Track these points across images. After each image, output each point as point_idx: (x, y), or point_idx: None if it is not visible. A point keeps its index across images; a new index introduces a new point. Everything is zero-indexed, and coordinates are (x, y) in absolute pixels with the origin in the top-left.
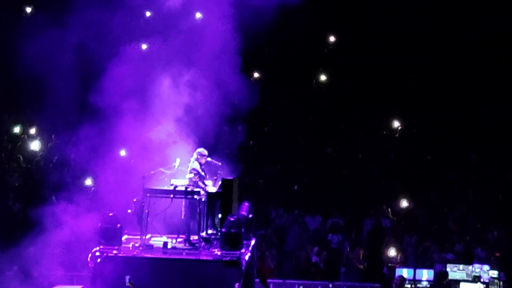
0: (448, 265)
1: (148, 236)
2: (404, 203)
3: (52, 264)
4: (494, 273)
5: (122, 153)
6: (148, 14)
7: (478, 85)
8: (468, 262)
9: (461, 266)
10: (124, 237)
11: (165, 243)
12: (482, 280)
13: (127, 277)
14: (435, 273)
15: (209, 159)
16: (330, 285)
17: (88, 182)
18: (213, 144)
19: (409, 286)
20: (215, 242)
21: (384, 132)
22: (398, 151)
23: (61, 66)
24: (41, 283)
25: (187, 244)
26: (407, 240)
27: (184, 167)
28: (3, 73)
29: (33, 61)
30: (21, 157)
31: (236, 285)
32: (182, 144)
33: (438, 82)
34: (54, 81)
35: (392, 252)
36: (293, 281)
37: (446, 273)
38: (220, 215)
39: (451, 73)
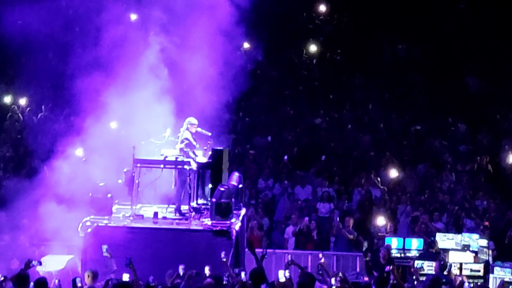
0: (437, 234)
1: (138, 206)
2: (393, 173)
3: (43, 234)
4: (483, 242)
5: (113, 125)
6: None
7: (467, 55)
8: (457, 231)
9: (450, 235)
10: (114, 207)
11: (156, 213)
12: (471, 249)
13: (104, 247)
14: (424, 242)
15: (199, 129)
16: (320, 255)
17: (79, 152)
18: (202, 114)
19: (398, 255)
20: (205, 212)
21: (373, 102)
22: (387, 122)
23: (51, 36)
24: (32, 253)
25: (177, 214)
26: (397, 209)
27: (174, 137)
28: None
29: (23, 31)
30: (11, 127)
31: (223, 253)
32: (172, 115)
33: (426, 52)
34: (45, 51)
35: (381, 222)
36: (283, 251)
37: (435, 242)
38: (210, 185)
39: (439, 43)
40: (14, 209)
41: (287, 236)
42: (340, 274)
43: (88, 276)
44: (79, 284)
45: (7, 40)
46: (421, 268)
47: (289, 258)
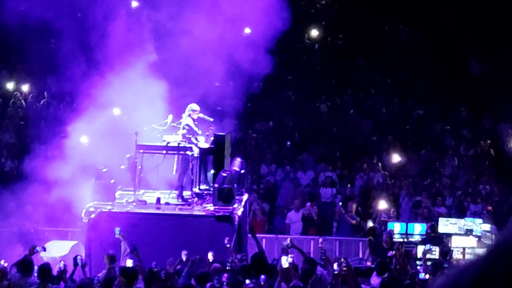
0: (440, 219)
1: (141, 191)
2: (395, 158)
3: (46, 220)
4: (487, 227)
5: (116, 111)
6: None
7: (469, 38)
8: (461, 216)
9: (453, 220)
10: (117, 193)
11: (158, 199)
12: (474, 233)
13: (117, 229)
14: (426, 227)
15: (201, 115)
16: (320, 239)
17: (82, 138)
18: (205, 100)
19: (401, 240)
20: (207, 198)
21: (376, 87)
22: (389, 106)
23: (53, 22)
24: (36, 239)
25: (180, 200)
26: (399, 194)
27: (176, 123)
28: None
29: (25, 17)
30: (14, 114)
31: (226, 239)
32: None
33: (428, 36)
34: (47, 37)
35: (383, 207)
36: (285, 236)
37: (437, 227)
38: (212, 171)
39: (441, 27)
40: (19, 195)
41: (289, 221)
42: (342, 260)
43: (107, 260)
44: (79, 263)
45: (9, 26)
46: (430, 250)
47: (288, 242)
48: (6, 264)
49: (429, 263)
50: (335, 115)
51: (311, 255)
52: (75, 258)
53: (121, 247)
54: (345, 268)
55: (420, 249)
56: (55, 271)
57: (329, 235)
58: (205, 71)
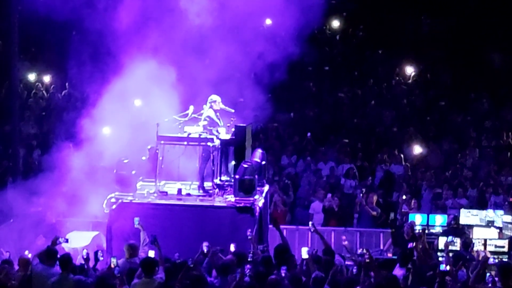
0: (461, 210)
1: (162, 182)
2: (417, 149)
3: (68, 211)
4: (508, 218)
5: (137, 102)
6: None
7: (491, 29)
8: (482, 207)
9: (474, 211)
10: (138, 184)
11: (179, 190)
12: (495, 225)
13: (136, 219)
14: (449, 219)
15: (222, 106)
16: (344, 237)
17: (103, 129)
18: (226, 91)
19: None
20: (228, 189)
21: (397, 78)
22: (410, 97)
23: (75, 13)
24: (58, 229)
25: (201, 191)
26: (420, 186)
27: (197, 114)
28: (17, 20)
29: (46, 8)
30: (36, 104)
31: (249, 231)
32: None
33: (450, 27)
34: (68, 28)
35: (405, 198)
36: (306, 227)
37: (459, 218)
38: (233, 162)
39: (463, 18)
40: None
41: (312, 211)
42: (365, 251)
43: (127, 250)
44: (101, 258)
45: (30, 17)
46: (452, 242)
47: (310, 225)
48: (30, 255)
49: (450, 254)
50: (356, 106)
51: (332, 247)
52: (96, 253)
53: (140, 237)
54: (368, 260)
55: (441, 241)
56: (77, 261)
57: (350, 226)
58: (226, 62)
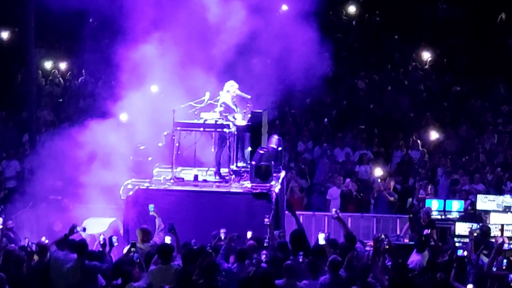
0: (478, 195)
1: (179, 169)
2: (433, 135)
3: (84, 197)
4: None
5: (153, 88)
6: None
7: (508, 14)
8: (499, 193)
9: (491, 197)
10: (155, 170)
11: (196, 176)
12: None
13: (151, 206)
14: (465, 204)
15: (238, 92)
16: (360, 216)
17: (120, 115)
18: (242, 77)
19: (439, 216)
20: (245, 175)
21: (414, 64)
22: (427, 83)
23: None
24: (74, 215)
25: (217, 177)
26: (437, 171)
27: (213, 101)
28: (33, 7)
29: None
30: (52, 91)
31: (266, 217)
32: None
33: (467, 12)
34: (85, 16)
35: (421, 184)
36: (323, 213)
37: (476, 204)
38: (249, 148)
39: (480, 3)
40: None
41: (330, 197)
42: (383, 236)
43: (139, 234)
44: (115, 243)
45: (47, 5)
46: (476, 230)
47: (334, 212)
48: (47, 241)
49: (466, 240)
50: (373, 92)
51: None
52: (110, 238)
53: (155, 224)
54: (387, 246)
55: (458, 226)
56: (94, 247)
57: (367, 212)
58: (242, 48)
